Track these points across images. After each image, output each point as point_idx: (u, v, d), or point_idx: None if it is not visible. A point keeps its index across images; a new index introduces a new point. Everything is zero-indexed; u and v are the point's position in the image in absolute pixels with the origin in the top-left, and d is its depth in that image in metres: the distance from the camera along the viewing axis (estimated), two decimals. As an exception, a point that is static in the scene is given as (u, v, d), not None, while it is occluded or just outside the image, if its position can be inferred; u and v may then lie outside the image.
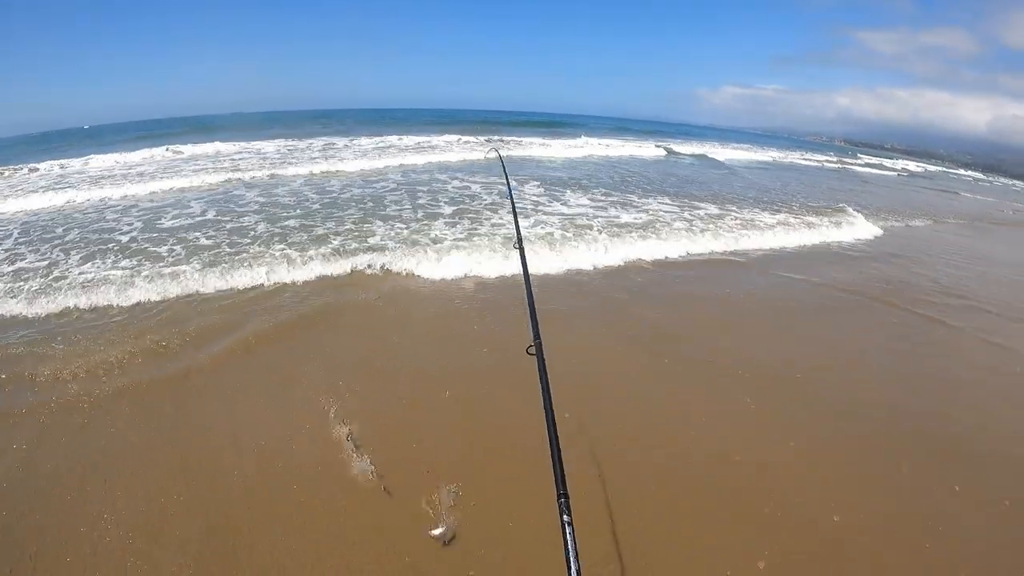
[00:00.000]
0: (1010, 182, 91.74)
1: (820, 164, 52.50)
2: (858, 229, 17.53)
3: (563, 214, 15.63)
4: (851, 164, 58.30)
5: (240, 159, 26.60)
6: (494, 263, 10.83)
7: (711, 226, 15.51)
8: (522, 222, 13.46)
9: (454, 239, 12.20)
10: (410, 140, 37.08)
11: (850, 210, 20.55)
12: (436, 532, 4.37)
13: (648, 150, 42.74)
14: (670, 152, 43.28)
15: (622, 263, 12.16)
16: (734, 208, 18.99)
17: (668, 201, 19.04)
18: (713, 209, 18.32)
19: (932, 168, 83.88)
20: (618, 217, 15.85)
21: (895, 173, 54.41)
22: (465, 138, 39.83)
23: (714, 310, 9.91)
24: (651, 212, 16.85)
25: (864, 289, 11.75)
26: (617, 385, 6.87)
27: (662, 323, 8.98)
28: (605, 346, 7.89)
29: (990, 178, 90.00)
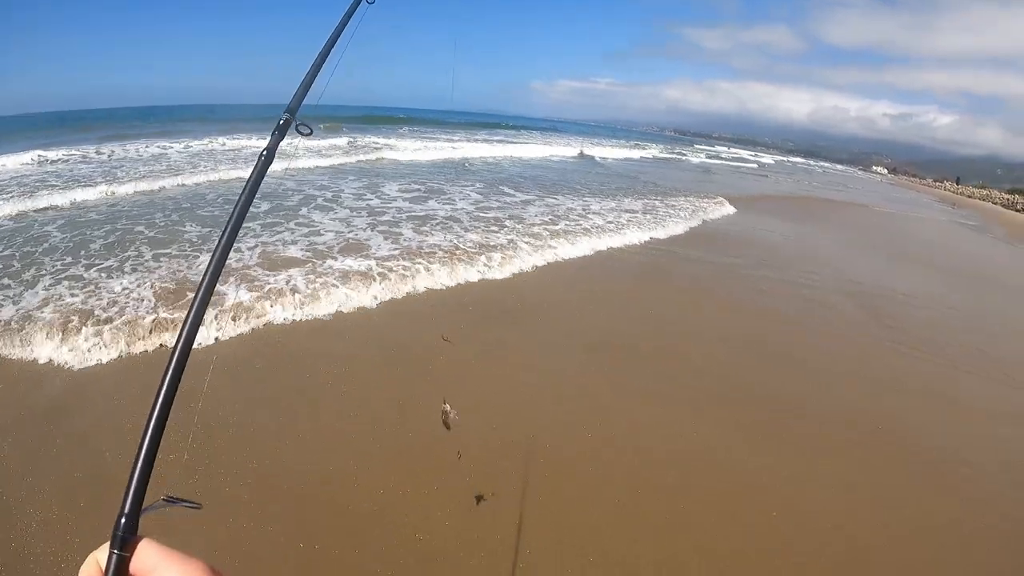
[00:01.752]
0: (830, 165, 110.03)
1: (685, 157, 56.61)
2: (725, 209, 21.52)
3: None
4: (716, 158, 64.67)
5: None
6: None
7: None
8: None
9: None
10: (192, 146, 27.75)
11: (722, 199, 23.57)
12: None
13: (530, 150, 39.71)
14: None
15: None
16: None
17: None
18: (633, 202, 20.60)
19: (781, 158, 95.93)
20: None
21: (751, 164, 62.86)
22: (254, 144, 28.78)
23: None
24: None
25: (719, 262, 13.55)
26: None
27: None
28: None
29: (818, 163, 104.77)
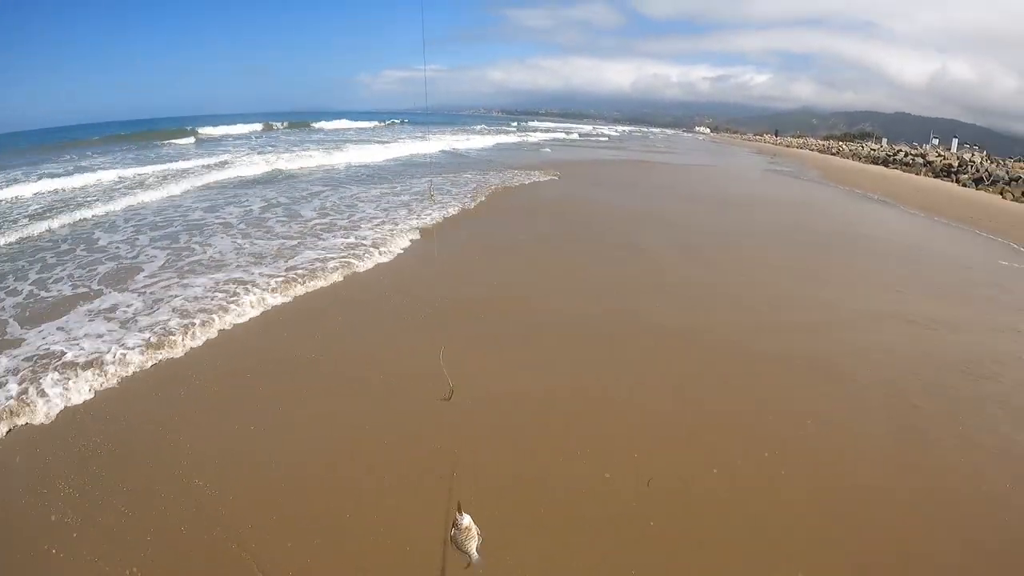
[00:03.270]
0: (659, 130, 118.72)
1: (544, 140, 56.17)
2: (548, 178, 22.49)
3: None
4: (571, 133, 70.19)
5: None
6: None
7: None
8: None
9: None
10: None
11: (553, 170, 24.61)
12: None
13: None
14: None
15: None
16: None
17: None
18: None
19: (623, 129, 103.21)
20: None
21: (606, 137, 70.42)
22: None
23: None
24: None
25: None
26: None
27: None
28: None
29: (650, 130, 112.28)
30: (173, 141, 42.52)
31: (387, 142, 40.49)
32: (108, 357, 5.92)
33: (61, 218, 13.48)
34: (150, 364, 6.01)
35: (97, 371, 5.71)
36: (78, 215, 13.87)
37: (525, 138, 55.18)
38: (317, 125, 66.95)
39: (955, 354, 7.02)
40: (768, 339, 7.16)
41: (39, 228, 12.74)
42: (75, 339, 6.46)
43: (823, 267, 10.98)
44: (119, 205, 15.50)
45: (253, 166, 24.15)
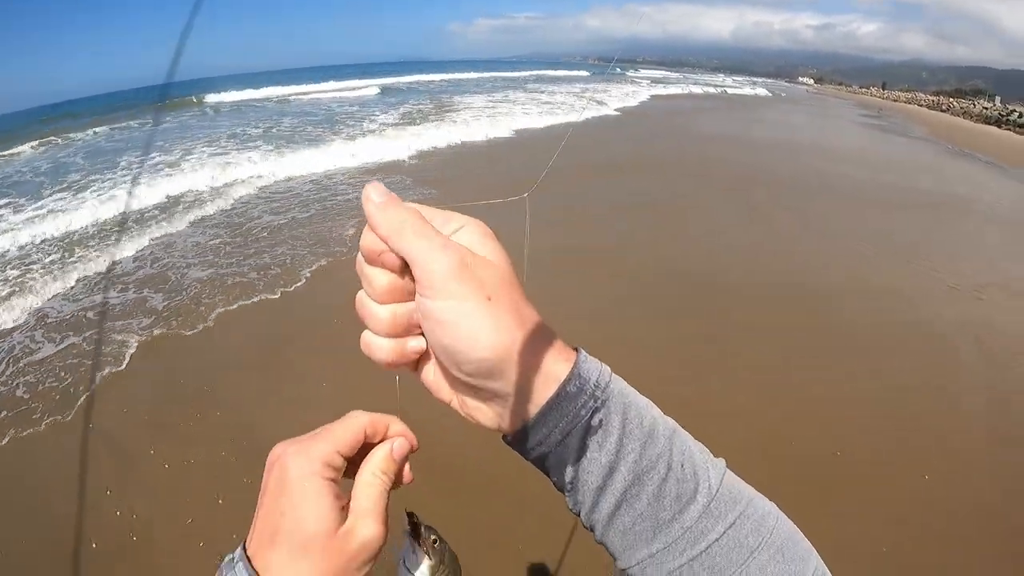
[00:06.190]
0: (759, 80, 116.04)
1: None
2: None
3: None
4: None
5: None
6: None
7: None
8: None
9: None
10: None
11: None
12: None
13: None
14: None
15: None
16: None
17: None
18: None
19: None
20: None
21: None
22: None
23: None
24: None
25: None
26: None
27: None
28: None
29: (753, 80, 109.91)
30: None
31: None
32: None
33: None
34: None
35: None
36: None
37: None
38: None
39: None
40: (856, 304, 6.95)
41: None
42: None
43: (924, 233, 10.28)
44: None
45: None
